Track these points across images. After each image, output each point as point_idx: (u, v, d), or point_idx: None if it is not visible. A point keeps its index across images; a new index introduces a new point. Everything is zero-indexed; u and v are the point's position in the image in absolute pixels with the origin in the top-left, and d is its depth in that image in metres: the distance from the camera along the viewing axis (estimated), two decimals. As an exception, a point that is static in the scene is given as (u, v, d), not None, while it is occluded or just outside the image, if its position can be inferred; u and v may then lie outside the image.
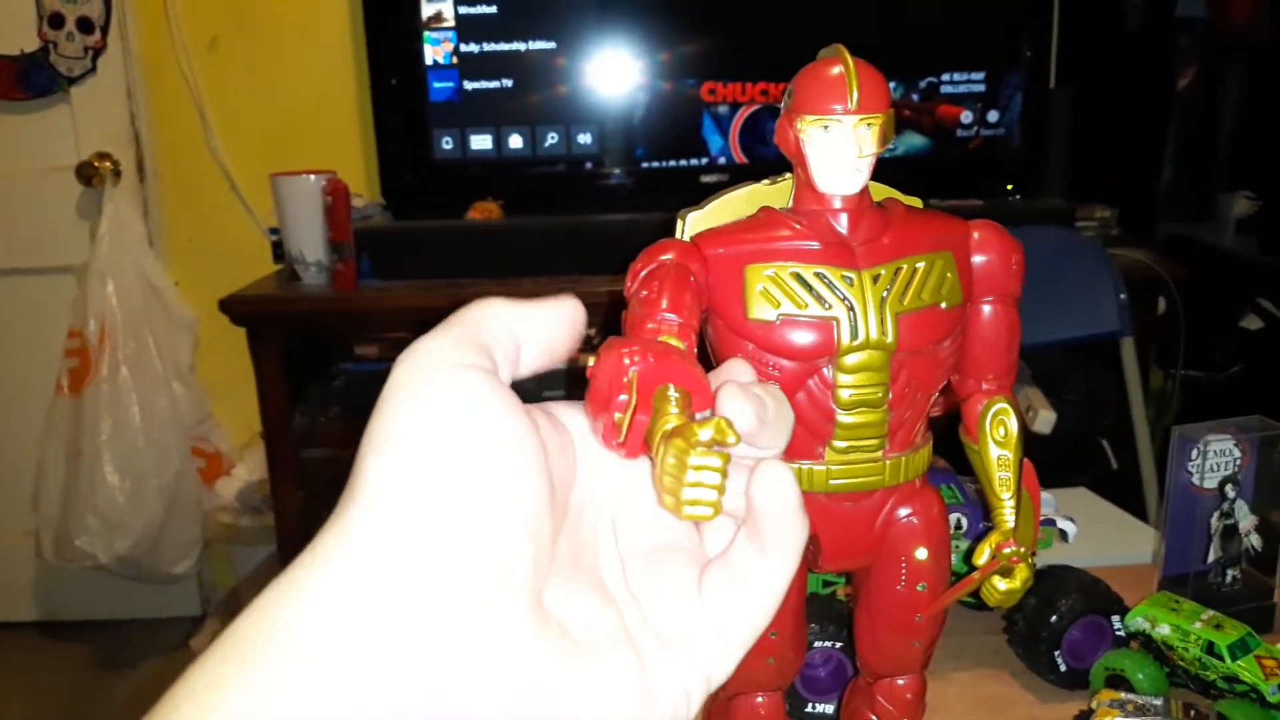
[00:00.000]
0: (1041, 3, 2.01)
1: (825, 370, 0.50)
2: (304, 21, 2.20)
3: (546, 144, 2.00)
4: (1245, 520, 0.87)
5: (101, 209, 2.21)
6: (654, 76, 1.98)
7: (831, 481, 0.52)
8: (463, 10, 1.94)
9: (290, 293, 1.84)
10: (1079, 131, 2.10)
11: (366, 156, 2.19)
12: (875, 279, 0.49)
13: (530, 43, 1.95)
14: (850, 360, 0.49)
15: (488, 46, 1.95)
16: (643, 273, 0.49)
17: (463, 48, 1.95)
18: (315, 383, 1.92)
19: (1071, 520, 0.85)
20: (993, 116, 2.00)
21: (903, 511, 0.54)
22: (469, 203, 1.96)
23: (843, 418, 0.50)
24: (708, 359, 0.52)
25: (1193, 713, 0.67)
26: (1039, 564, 0.88)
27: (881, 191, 0.54)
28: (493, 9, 1.94)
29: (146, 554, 2.24)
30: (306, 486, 1.87)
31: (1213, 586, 0.87)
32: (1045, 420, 1.69)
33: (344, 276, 1.79)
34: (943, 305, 0.49)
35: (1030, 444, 1.73)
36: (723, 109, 1.95)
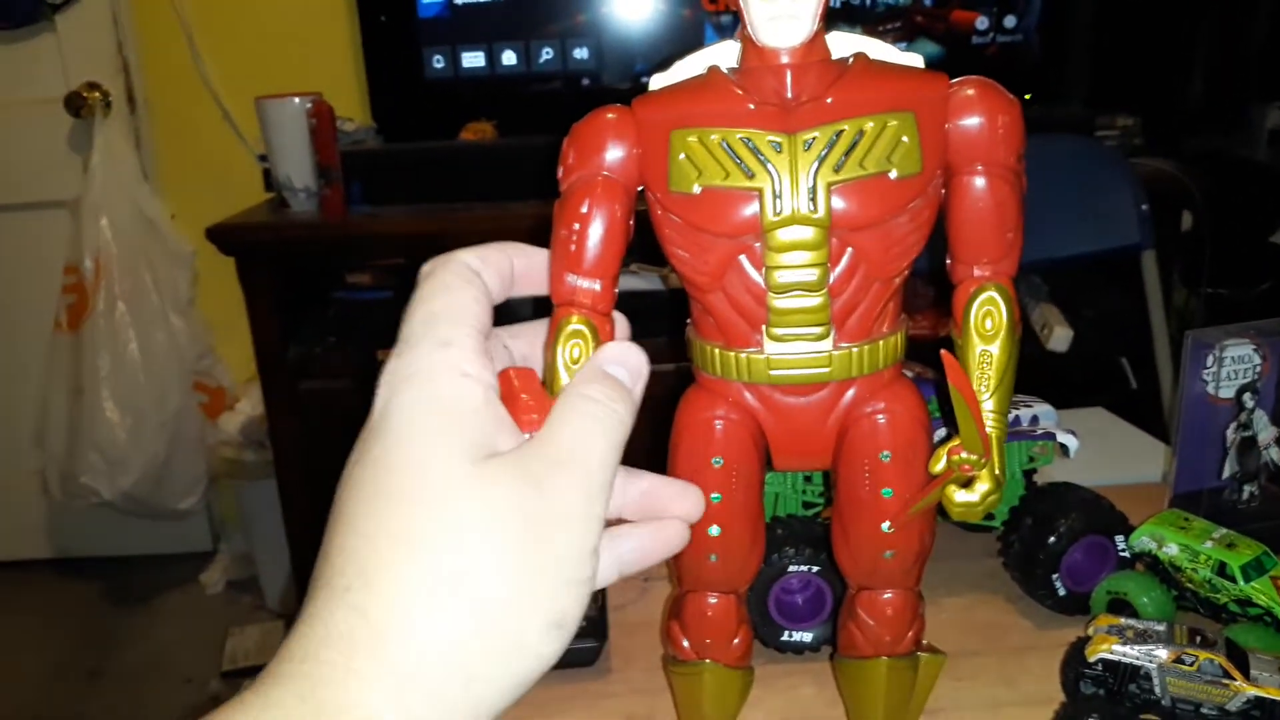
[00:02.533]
0: (1061, -100, 1.90)
1: (756, 248, 0.43)
2: (290, -61, 2.12)
3: (541, 60, 1.92)
4: (1265, 432, 0.80)
5: (93, 141, 2.16)
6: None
7: (772, 372, 0.46)
8: (451, -79, 1.85)
9: (278, 220, 1.79)
10: (1101, 38, 2.00)
11: (359, 79, 2.11)
12: (808, 144, 0.42)
13: (522, -48, 1.87)
14: (780, 237, 0.43)
15: (477, -43, 1.87)
16: (572, 184, 0.46)
17: (451, -40, 1.87)
18: (309, 312, 1.88)
19: (1073, 433, 0.78)
20: (1010, 22, 1.90)
21: (868, 408, 0.47)
22: (462, 124, 1.89)
23: (776, 302, 0.44)
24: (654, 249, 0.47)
25: (1198, 638, 0.61)
26: (1040, 481, 0.83)
27: (867, 48, 0.46)
28: (481, -82, 1.85)
29: (151, 490, 2.22)
30: (304, 417, 1.83)
31: (1228, 504, 0.81)
32: (1062, 337, 1.62)
33: (332, 202, 1.73)
34: (892, 174, 0.42)
35: (1047, 363, 1.66)
36: (725, 18, 1.86)
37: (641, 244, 0.48)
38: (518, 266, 0.43)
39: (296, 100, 1.76)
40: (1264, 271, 2.14)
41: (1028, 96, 1.92)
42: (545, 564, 0.35)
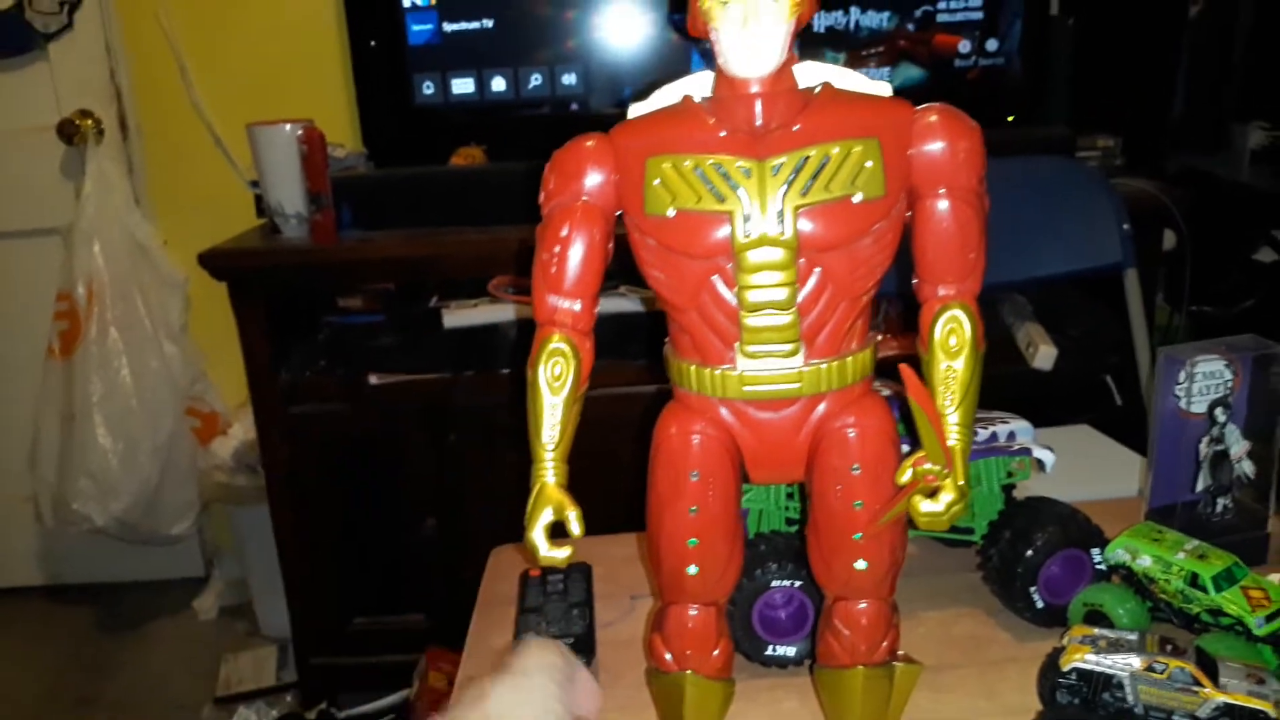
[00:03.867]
0: (1041, -76, 1.93)
1: (728, 268, 0.45)
2: (282, -32, 2.15)
3: (530, 86, 1.94)
4: (1237, 446, 0.82)
5: (85, 168, 2.18)
6: (639, 13, 1.91)
7: (745, 388, 0.47)
8: (440, -51, 1.88)
9: (269, 245, 1.80)
10: (1083, 60, 2.03)
11: (350, 105, 2.14)
12: (775, 169, 0.44)
13: (511, -19, 1.89)
14: (751, 258, 0.45)
15: (467, -14, 1.89)
16: (553, 208, 0.48)
17: (441, -12, 1.89)
18: (301, 337, 1.89)
19: (1049, 449, 0.80)
20: (992, 45, 1.93)
21: (838, 423, 0.49)
22: (452, 149, 1.91)
23: (748, 320, 0.46)
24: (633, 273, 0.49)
25: (1169, 647, 0.62)
26: (1021, 496, 0.84)
27: (841, 77, 0.48)
28: (470, -53, 1.87)
29: (143, 516, 2.23)
30: (296, 441, 1.84)
31: (1203, 517, 0.83)
32: (1046, 356, 1.63)
33: (323, 228, 1.74)
34: (856, 198, 0.44)
35: (1032, 381, 1.68)
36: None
37: (629, 266, 0.50)
38: None
39: (288, 127, 1.77)
40: (1247, 289, 2.16)
41: (1010, 118, 1.95)
42: None
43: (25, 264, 2.33)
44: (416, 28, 1.91)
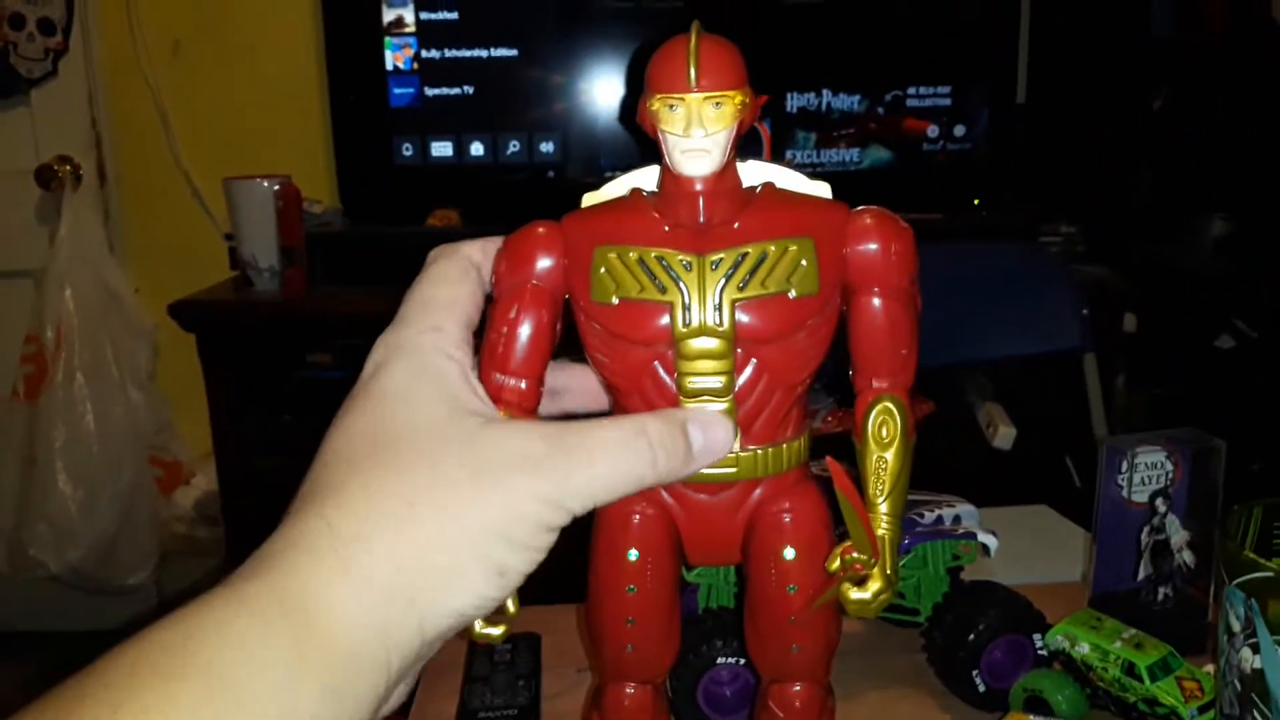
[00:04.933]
0: (1008, 17, 1.99)
1: (669, 355, 0.47)
2: (267, 26, 2.18)
3: (508, 152, 1.97)
4: (1177, 535, 0.83)
5: (60, 213, 2.18)
6: (619, 84, 1.95)
7: None
8: (424, 16, 1.92)
9: (240, 298, 1.81)
10: (1047, 148, 2.08)
11: (329, 163, 2.16)
12: (715, 264, 0.46)
13: (492, 49, 1.93)
14: (690, 346, 0.46)
15: (449, 53, 1.93)
16: (502, 291, 0.49)
17: (424, 53, 1.93)
18: (268, 390, 1.89)
19: (993, 534, 0.81)
20: (959, 130, 1.98)
21: (774, 507, 0.50)
22: (429, 210, 1.94)
23: (687, 405, 0.47)
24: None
25: (1101, 736, 0.63)
26: (969, 577, 0.86)
27: (782, 177, 0.50)
28: (454, 15, 1.91)
29: (99, 564, 2.20)
30: (259, 495, 1.83)
31: (1144, 604, 0.84)
32: (1005, 436, 1.66)
33: (294, 282, 1.75)
34: (791, 293, 0.46)
35: (992, 462, 1.69)
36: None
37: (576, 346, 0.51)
38: None
39: (264, 183, 1.80)
40: (1206, 374, 2.20)
41: (975, 201, 1.99)
42: (487, 517, 0.39)
43: (-5, 305, 2.32)
44: (398, 90, 1.94)
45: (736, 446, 0.48)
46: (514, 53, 1.93)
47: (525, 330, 0.48)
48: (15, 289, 2.27)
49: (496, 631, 0.49)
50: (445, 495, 0.39)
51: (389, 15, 1.91)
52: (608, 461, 0.42)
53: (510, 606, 0.49)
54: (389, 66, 1.93)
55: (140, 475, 2.23)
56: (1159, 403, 2.06)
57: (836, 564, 0.49)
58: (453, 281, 0.46)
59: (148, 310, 2.27)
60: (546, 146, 1.97)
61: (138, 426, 2.23)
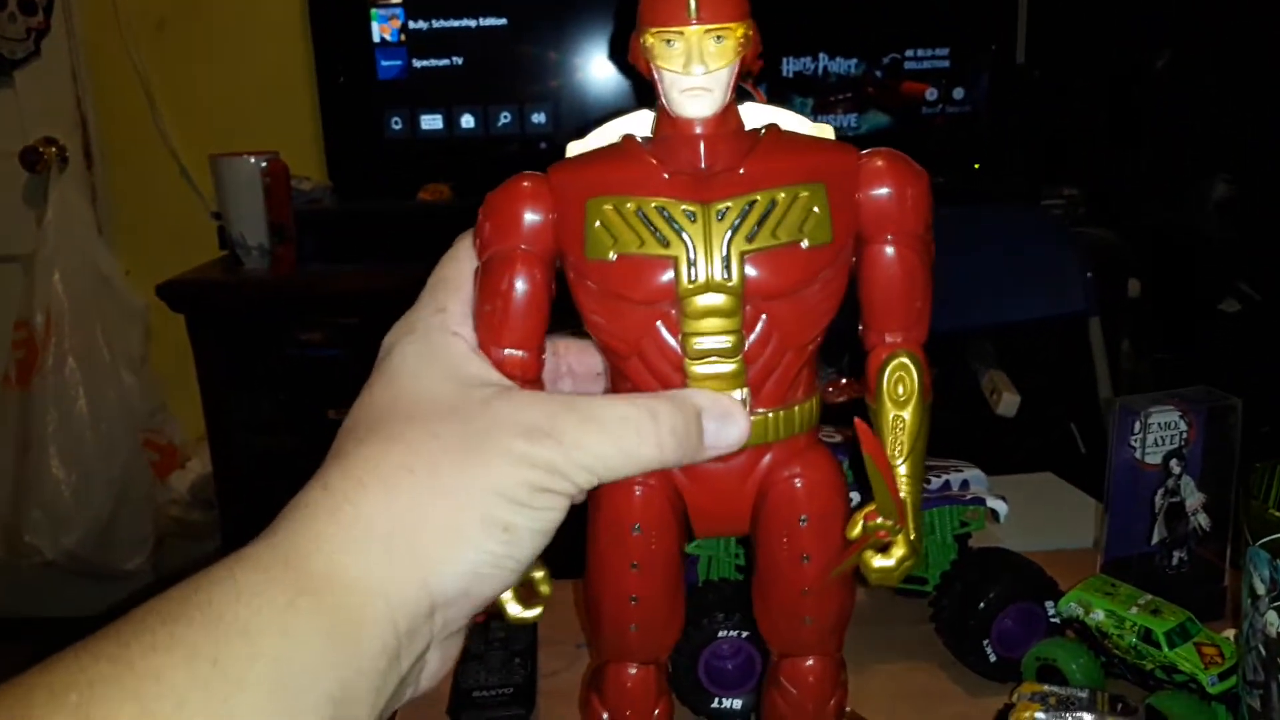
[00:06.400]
0: (1009, -24, 1.96)
1: (672, 314, 0.44)
2: (252, 1, 2.14)
3: (499, 124, 1.94)
4: (1192, 498, 0.81)
5: (47, 196, 2.15)
6: (609, 53, 1.92)
7: None
8: (411, -14, 1.88)
9: (229, 277, 1.78)
10: (1048, 110, 2.05)
11: (318, 139, 2.13)
12: (721, 214, 0.43)
13: (481, 19, 1.89)
14: (695, 304, 0.43)
15: (437, 23, 1.90)
16: (490, 257, 0.46)
17: (411, 25, 1.89)
18: (261, 370, 1.87)
19: (1003, 499, 0.79)
20: (958, 94, 1.95)
21: (785, 473, 0.48)
22: (419, 184, 1.91)
23: (693, 368, 0.44)
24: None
25: (1120, 705, 0.61)
26: (976, 544, 0.83)
27: (783, 119, 0.47)
28: (441, -16, 1.88)
29: (95, 549, 2.18)
30: (253, 476, 1.81)
31: (1158, 570, 0.82)
32: (1010, 403, 1.64)
33: (284, 260, 1.73)
34: (803, 244, 0.43)
35: (997, 428, 1.67)
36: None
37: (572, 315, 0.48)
38: None
39: (251, 159, 1.76)
40: (1212, 338, 2.18)
41: (976, 166, 1.96)
42: (485, 478, 0.39)
43: (-16, 291, 2.29)
44: (386, 63, 1.91)
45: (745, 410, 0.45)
46: (503, 21, 1.90)
47: (519, 300, 0.45)
48: (4, 274, 2.24)
49: (532, 613, 0.46)
50: (442, 460, 0.39)
51: (375, -15, 1.88)
52: (611, 438, 0.41)
53: (544, 588, 0.47)
54: (376, 38, 1.90)
55: (135, 459, 2.21)
56: (1164, 367, 2.04)
57: (858, 530, 0.46)
58: (461, 261, 0.47)
59: (139, 292, 2.24)
60: (538, 117, 1.94)
61: (131, 410, 2.20)
